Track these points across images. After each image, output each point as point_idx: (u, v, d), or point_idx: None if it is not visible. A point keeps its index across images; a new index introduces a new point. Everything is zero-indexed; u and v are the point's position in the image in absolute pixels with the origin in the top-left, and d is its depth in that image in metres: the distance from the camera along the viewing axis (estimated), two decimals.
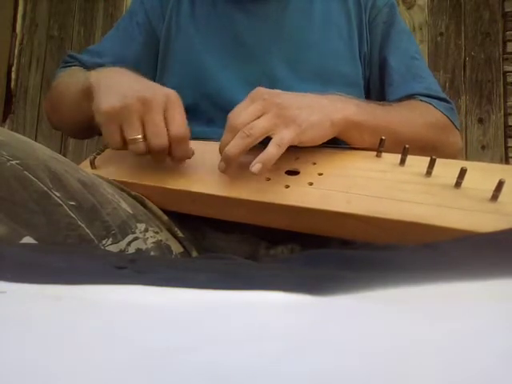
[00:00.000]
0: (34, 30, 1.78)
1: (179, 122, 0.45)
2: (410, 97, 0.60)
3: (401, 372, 0.12)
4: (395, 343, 0.14)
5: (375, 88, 0.65)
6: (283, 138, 0.42)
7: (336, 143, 0.48)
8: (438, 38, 1.44)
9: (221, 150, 0.44)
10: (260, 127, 0.42)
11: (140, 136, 0.44)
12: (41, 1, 1.79)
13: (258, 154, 0.42)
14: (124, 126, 0.43)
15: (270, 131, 0.43)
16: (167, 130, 0.44)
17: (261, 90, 0.45)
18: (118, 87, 0.45)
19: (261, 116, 0.43)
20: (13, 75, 1.78)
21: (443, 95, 0.62)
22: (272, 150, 0.41)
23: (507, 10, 1.39)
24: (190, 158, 0.48)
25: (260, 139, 0.43)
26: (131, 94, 0.43)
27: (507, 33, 1.38)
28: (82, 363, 0.13)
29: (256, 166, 0.41)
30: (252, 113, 0.43)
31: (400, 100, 0.59)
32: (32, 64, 1.77)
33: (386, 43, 0.64)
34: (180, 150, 0.46)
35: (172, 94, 0.46)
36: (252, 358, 0.13)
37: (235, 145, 0.42)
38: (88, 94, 0.49)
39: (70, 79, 0.60)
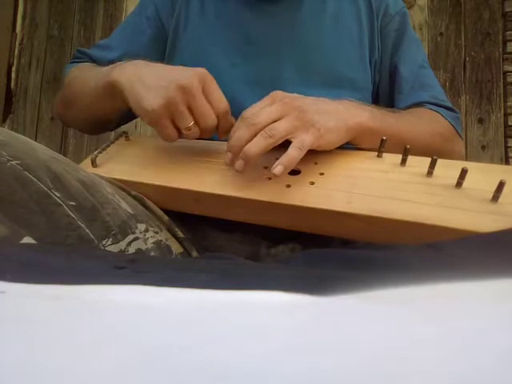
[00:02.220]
0: (33, 30, 1.78)
1: (220, 98, 0.47)
2: (419, 104, 0.61)
3: (401, 372, 0.12)
4: (395, 343, 0.14)
5: (384, 94, 0.66)
6: (304, 140, 0.42)
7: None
8: (438, 38, 1.44)
9: (233, 144, 0.44)
10: (282, 129, 0.42)
11: (192, 123, 0.46)
12: (41, 1, 1.79)
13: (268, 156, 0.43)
14: (176, 118, 0.46)
15: (290, 134, 0.43)
16: (212, 106, 0.47)
17: (281, 93, 0.46)
18: (150, 81, 0.46)
19: (280, 118, 0.43)
20: (13, 75, 1.78)
21: (449, 104, 0.63)
22: (294, 153, 0.42)
23: (507, 10, 1.39)
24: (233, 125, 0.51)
25: (281, 141, 0.43)
26: (168, 85, 0.45)
27: (507, 33, 1.38)
28: (82, 363, 0.13)
29: (278, 168, 0.41)
30: (272, 113, 0.43)
31: (409, 107, 0.60)
32: (32, 64, 1.77)
33: (396, 51, 0.64)
34: (226, 123, 0.48)
35: (203, 72, 0.47)
36: (252, 357, 0.13)
37: (257, 144, 0.42)
38: (113, 91, 0.50)
39: (85, 75, 0.60)
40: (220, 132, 0.49)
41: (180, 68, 0.48)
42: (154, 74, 0.47)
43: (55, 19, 1.77)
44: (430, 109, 0.60)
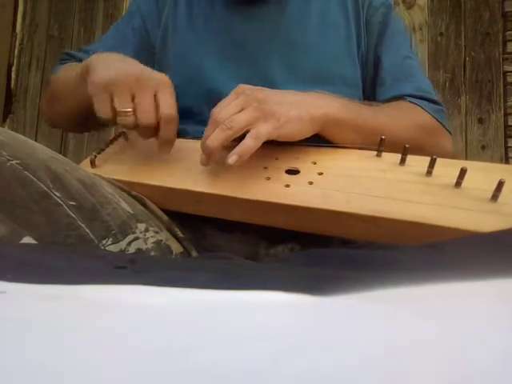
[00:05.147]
0: (34, 30, 1.78)
1: (169, 104, 0.46)
2: (400, 97, 0.59)
3: (401, 372, 0.12)
4: (395, 343, 0.14)
5: (368, 88, 0.65)
6: (260, 131, 0.43)
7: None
8: (438, 38, 1.44)
9: (202, 142, 0.45)
10: (240, 120, 0.43)
11: (130, 109, 0.45)
12: (41, 1, 1.79)
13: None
14: (115, 97, 0.45)
15: (250, 124, 0.43)
16: (157, 109, 0.46)
17: (243, 86, 0.46)
18: (115, 65, 0.47)
19: (242, 110, 0.44)
20: (13, 75, 1.78)
21: (434, 97, 0.61)
22: (248, 143, 0.42)
23: (507, 9, 1.39)
24: (173, 142, 0.49)
25: (240, 132, 0.43)
26: (127, 71, 0.46)
27: (507, 33, 1.38)
28: (82, 363, 0.13)
29: (232, 158, 0.42)
30: (233, 107, 0.44)
31: (389, 100, 0.59)
32: (32, 64, 1.77)
33: (380, 43, 0.64)
34: (167, 130, 0.47)
35: (165, 78, 0.48)
36: (252, 358, 0.13)
37: (216, 137, 0.43)
38: (85, 74, 0.50)
39: (67, 71, 0.62)
40: (159, 139, 0.48)
41: (148, 68, 0.49)
42: (121, 62, 0.49)
43: (55, 19, 1.77)
44: (411, 102, 0.58)
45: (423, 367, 0.12)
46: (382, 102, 0.60)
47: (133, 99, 0.45)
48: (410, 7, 1.46)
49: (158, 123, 0.46)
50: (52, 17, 1.77)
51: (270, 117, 0.44)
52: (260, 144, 0.43)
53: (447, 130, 0.60)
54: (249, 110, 0.44)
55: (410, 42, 0.69)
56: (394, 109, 0.56)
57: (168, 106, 0.46)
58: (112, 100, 0.45)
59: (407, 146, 0.43)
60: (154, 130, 0.47)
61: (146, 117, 0.45)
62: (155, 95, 0.46)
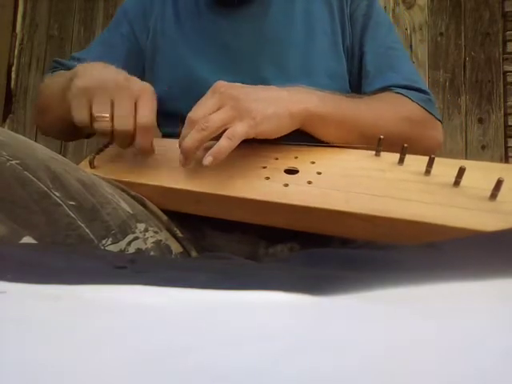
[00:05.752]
0: (34, 30, 1.78)
1: (147, 113, 0.45)
2: (386, 89, 0.58)
3: (401, 372, 0.12)
4: (395, 343, 0.14)
5: (355, 80, 0.64)
6: (235, 130, 0.42)
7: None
8: (438, 38, 1.44)
9: (179, 143, 0.45)
10: (215, 120, 0.43)
11: (107, 115, 0.44)
12: (41, 1, 1.79)
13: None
14: (93, 102, 0.44)
15: (226, 124, 0.43)
16: (135, 117, 0.45)
17: (219, 84, 0.46)
18: (98, 72, 0.47)
19: (218, 109, 0.44)
20: (13, 75, 1.78)
21: (421, 85, 0.60)
22: (223, 143, 0.42)
23: (507, 9, 1.39)
24: (152, 152, 0.49)
25: (217, 132, 0.43)
26: (108, 77, 0.45)
27: (507, 33, 1.38)
28: (82, 363, 0.13)
29: (207, 159, 0.42)
30: (209, 106, 0.44)
31: (375, 92, 0.58)
32: (32, 64, 1.77)
33: (364, 36, 0.63)
34: (143, 140, 0.46)
35: (148, 87, 0.47)
36: (252, 358, 0.13)
37: (192, 138, 0.43)
38: (69, 83, 0.50)
39: (55, 79, 0.61)
40: (135, 147, 0.47)
41: (133, 77, 0.48)
42: (106, 70, 0.48)
43: (55, 19, 1.77)
44: (398, 92, 0.57)
45: (423, 367, 0.12)
46: (367, 93, 0.59)
47: (112, 105, 0.44)
48: (410, 7, 1.46)
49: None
50: (52, 17, 1.77)
51: (246, 115, 0.43)
52: (236, 144, 0.42)
53: (437, 118, 0.59)
54: (225, 109, 0.43)
55: (394, 33, 0.68)
56: (377, 101, 0.55)
57: (145, 114, 0.45)
58: (90, 105, 0.44)
59: (405, 145, 0.43)
60: (130, 139, 0.46)
61: (122, 123, 0.44)
62: (135, 103, 0.45)
